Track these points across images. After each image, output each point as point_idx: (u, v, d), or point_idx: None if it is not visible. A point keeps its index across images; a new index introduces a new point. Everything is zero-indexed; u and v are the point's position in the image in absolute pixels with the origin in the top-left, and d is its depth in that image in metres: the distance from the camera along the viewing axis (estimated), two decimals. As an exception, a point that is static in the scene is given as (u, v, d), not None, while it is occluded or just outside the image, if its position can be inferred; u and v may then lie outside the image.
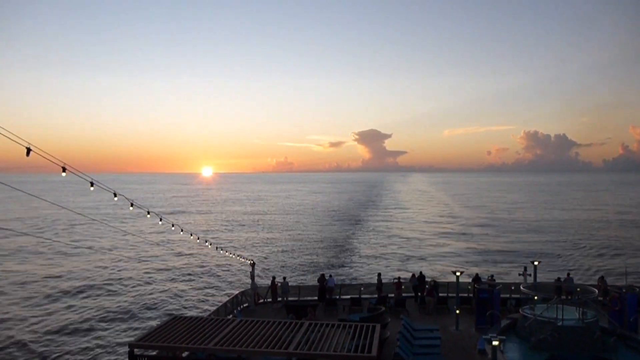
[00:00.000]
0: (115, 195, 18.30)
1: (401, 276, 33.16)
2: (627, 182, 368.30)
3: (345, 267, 58.20)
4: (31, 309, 40.64)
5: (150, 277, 52.40)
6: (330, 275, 31.72)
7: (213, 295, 45.41)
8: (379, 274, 32.16)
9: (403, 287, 30.06)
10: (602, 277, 30.93)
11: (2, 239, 75.77)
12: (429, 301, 28.11)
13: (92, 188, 16.33)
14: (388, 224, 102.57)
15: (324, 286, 29.76)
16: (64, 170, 13.75)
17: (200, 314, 35.07)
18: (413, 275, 31.34)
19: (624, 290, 23.41)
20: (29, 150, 12.00)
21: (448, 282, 30.61)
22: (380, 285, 30.44)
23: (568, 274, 31.24)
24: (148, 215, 21.90)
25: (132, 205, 19.79)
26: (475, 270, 44.12)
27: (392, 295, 29.40)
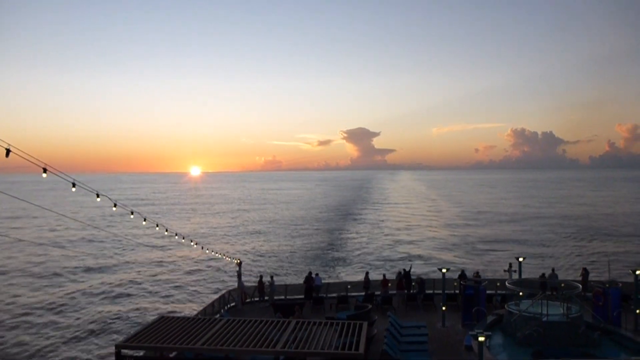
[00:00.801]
0: (97, 196, 18.11)
1: (385, 273, 33.33)
2: (612, 178, 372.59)
3: (331, 265, 58.29)
4: (14, 309, 40.20)
5: (136, 277, 52.06)
6: (317, 274, 31.74)
7: (200, 294, 45.24)
8: (367, 272, 32.24)
9: (390, 284, 30.15)
10: (584, 269, 31.30)
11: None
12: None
13: (74, 189, 16.13)
14: (375, 222, 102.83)
15: (310, 285, 29.77)
16: (44, 171, 13.57)
17: (188, 314, 34.94)
18: (399, 272, 31.44)
19: (607, 286, 23.70)
20: (8, 151, 11.80)
21: (434, 279, 30.79)
22: (367, 283, 30.47)
23: (553, 270, 31.55)
24: (131, 216, 21.70)
25: (115, 205, 19.61)
26: (461, 267, 44.38)
27: (379, 292, 29.49)
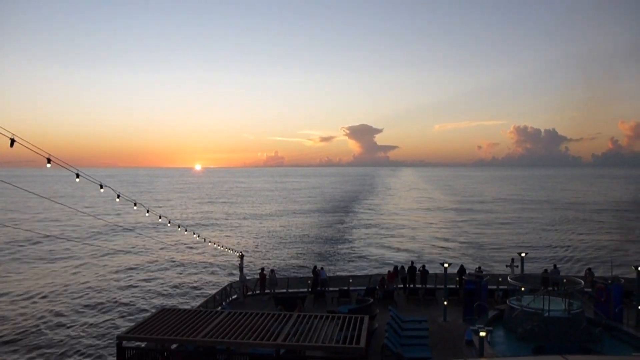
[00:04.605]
0: (101, 187, 18.16)
1: (390, 270, 33.26)
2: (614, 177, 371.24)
3: (333, 258, 58.26)
4: (17, 301, 40.31)
5: (138, 270, 52.14)
6: (322, 268, 31.74)
7: (201, 287, 45.30)
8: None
9: (395, 278, 30.28)
10: (589, 269, 31.23)
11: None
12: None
13: (77, 179, 16.19)
14: (376, 217, 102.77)
15: (317, 278, 29.77)
16: (48, 161, 13.59)
17: (189, 306, 34.99)
18: (402, 267, 31.45)
19: (609, 282, 23.64)
20: (12, 141, 11.80)
21: (436, 274, 30.78)
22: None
23: (555, 266, 31.54)
24: (135, 207, 21.75)
25: (118, 197, 19.66)
26: (462, 261, 44.28)
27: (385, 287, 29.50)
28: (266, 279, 29.97)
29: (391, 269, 32.02)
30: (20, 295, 42.43)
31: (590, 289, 26.88)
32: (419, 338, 20.74)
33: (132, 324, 22.82)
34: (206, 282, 47.04)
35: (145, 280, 47.91)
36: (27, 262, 56.30)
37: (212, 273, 51.09)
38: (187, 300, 40.87)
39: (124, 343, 16.41)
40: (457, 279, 29.74)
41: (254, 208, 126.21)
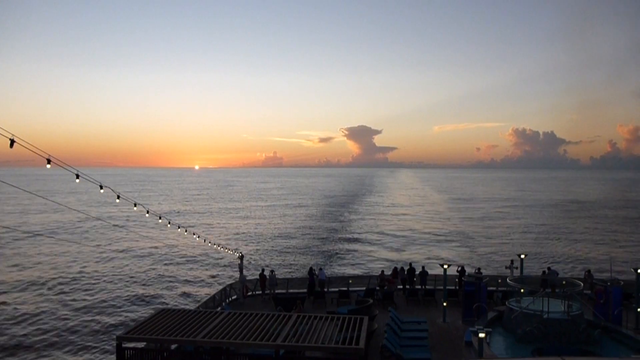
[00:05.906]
0: (101, 187, 18.16)
1: (383, 270, 33.21)
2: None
3: (333, 259, 58.25)
4: (16, 301, 40.28)
5: (137, 270, 52.12)
6: (321, 268, 31.70)
7: (201, 287, 45.31)
8: (382, 271, 31.82)
9: (395, 279, 30.28)
10: (588, 271, 31.28)
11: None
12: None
13: (77, 180, 16.19)
14: (375, 219, 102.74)
15: (313, 279, 29.76)
16: (48, 162, 13.59)
17: (189, 307, 34.96)
18: (402, 268, 31.45)
19: (608, 284, 23.65)
20: (12, 141, 11.78)
21: (435, 275, 30.76)
22: (383, 280, 30.27)
23: (549, 268, 31.65)
24: (135, 208, 21.76)
25: (118, 197, 19.66)
26: (462, 263, 44.30)
27: (386, 287, 29.48)
28: (266, 279, 29.95)
29: (391, 270, 31.99)
30: (18, 293, 42.42)
31: (589, 291, 26.89)
32: (419, 339, 20.75)
33: (132, 324, 22.81)
34: (206, 283, 47.04)
35: (144, 280, 47.89)
36: (26, 259, 56.22)
37: (212, 273, 51.06)
38: (187, 301, 40.86)
39: (124, 343, 16.42)
40: (457, 280, 29.73)
41: (252, 207, 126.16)
